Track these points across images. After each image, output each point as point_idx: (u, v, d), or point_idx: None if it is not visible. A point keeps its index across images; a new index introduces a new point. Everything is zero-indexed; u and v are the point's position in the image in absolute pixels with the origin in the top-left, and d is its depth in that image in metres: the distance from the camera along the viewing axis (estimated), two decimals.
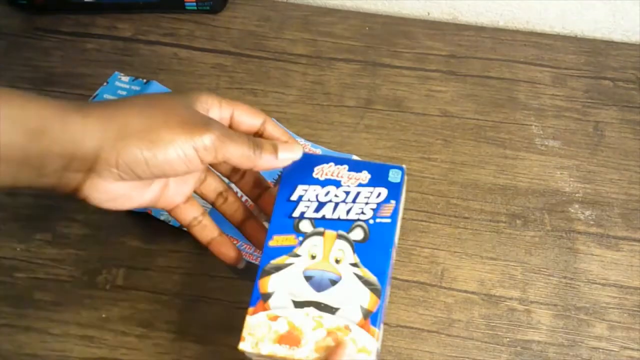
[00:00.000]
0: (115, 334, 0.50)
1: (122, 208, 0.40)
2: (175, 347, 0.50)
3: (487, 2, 0.75)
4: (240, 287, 0.53)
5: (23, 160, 0.35)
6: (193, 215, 0.45)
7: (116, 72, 0.67)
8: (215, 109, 0.41)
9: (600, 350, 0.51)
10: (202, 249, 0.55)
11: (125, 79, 0.66)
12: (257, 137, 0.43)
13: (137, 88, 0.65)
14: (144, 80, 0.66)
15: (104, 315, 0.51)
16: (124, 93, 0.65)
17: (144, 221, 0.56)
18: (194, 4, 0.73)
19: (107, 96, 0.64)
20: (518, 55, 0.72)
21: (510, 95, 0.68)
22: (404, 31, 0.74)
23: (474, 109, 0.67)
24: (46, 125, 0.35)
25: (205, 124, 0.38)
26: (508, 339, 0.51)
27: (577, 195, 0.60)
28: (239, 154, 0.39)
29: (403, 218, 0.58)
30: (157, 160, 0.37)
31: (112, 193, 0.38)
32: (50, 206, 0.57)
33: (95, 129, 0.36)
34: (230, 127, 0.43)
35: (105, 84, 0.66)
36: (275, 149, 0.42)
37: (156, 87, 0.65)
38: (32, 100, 0.35)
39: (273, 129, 0.44)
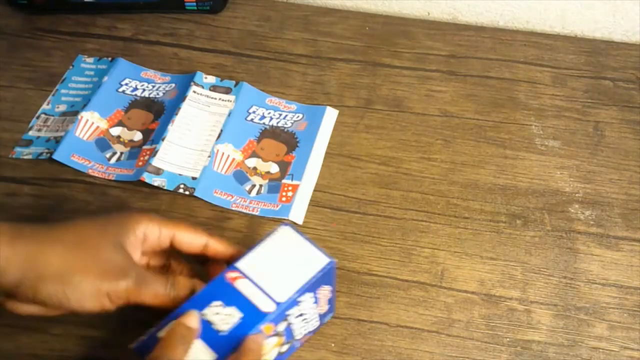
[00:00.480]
0: (115, 333, 0.50)
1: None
2: None
3: (487, 2, 0.75)
4: None
5: None
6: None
7: (80, 55, 0.69)
8: (154, 234, 0.44)
9: (600, 350, 0.51)
10: None
11: (90, 60, 0.69)
12: (201, 256, 0.46)
13: (104, 67, 0.68)
14: (110, 59, 0.68)
15: (104, 315, 0.51)
16: (92, 73, 0.67)
17: None
18: (194, 4, 0.73)
19: (75, 78, 0.67)
20: (518, 55, 0.72)
21: (510, 95, 0.68)
22: (404, 31, 0.74)
23: (474, 109, 0.67)
24: None
25: (122, 271, 0.41)
26: (508, 339, 0.51)
27: (577, 195, 0.60)
28: (152, 296, 0.42)
29: (403, 218, 0.58)
30: (70, 302, 0.40)
31: (34, 310, 0.42)
32: (50, 206, 0.57)
33: (17, 265, 0.39)
34: (173, 247, 0.45)
35: (71, 67, 0.68)
36: (192, 288, 0.44)
37: (122, 63, 0.68)
38: None
39: (216, 245, 0.46)
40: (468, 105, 0.67)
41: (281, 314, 0.42)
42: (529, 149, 0.63)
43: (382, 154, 0.62)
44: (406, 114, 0.66)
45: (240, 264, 0.44)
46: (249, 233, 0.56)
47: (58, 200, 0.57)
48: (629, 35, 0.76)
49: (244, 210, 0.57)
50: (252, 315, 0.41)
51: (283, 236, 0.45)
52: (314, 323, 0.48)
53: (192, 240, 0.45)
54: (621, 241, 0.57)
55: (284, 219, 0.57)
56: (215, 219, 0.57)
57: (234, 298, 0.42)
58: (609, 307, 0.53)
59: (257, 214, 0.57)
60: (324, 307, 0.48)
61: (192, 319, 0.41)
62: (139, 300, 0.42)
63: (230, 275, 0.43)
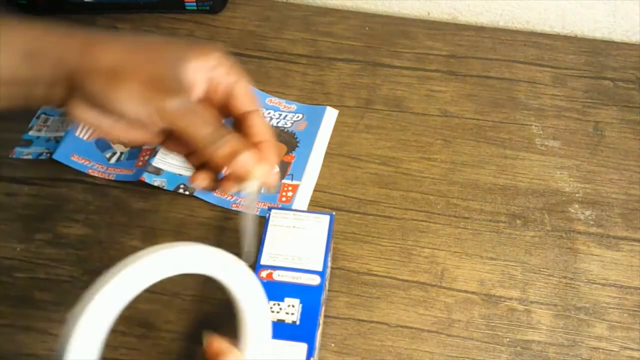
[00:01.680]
0: (115, 334, 0.50)
1: (105, 136, 0.40)
2: (175, 347, 0.50)
3: (487, 2, 0.75)
4: None
5: (12, 80, 0.37)
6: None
7: None
8: (222, 72, 0.39)
9: (600, 350, 0.51)
10: None
11: None
12: (240, 119, 0.41)
13: None
14: None
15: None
16: None
17: (144, 221, 0.56)
18: (194, 4, 0.73)
19: None
20: (518, 55, 0.72)
21: (510, 95, 0.68)
22: (404, 31, 0.74)
23: (474, 109, 0.67)
24: (39, 47, 0.36)
25: (174, 89, 0.37)
26: (508, 339, 0.51)
27: (577, 195, 0.60)
28: (192, 135, 0.37)
29: (403, 218, 0.58)
30: (113, 102, 0.36)
31: (92, 119, 0.38)
32: (50, 206, 0.57)
33: (73, 55, 0.36)
34: (227, 96, 0.40)
35: None
36: (232, 156, 0.38)
37: None
38: (23, 22, 0.37)
39: (261, 120, 0.41)
40: (468, 105, 0.67)
41: (324, 281, 0.45)
42: (529, 149, 0.63)
43: (382, 154, 0.62)
44: (406, 114, 0.66)
45: (264, 260, 0.46)
46: None
47: (58, 200, 0.57)
48: (629, 35, 0.76)
49: (244, 211, 0.57)
50: (308, 294, 0.44)
51: (278, 218, 0.48)
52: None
53: (249, 98, 0.40)
54: (621, 241, 0.57)
55: None
56: (215, 219, 0.57)
57: (282, 291, 0.44)
58: (609, 307, 0.53)
59: (257, 214, 0.57)
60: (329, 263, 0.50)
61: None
62: (181, 131, 0.37)
63: (262, 274, 0.45)
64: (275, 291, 0.44)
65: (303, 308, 0.43)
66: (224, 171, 0.40)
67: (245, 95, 0.40)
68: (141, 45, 0.38)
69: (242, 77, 0.40)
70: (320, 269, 0.45)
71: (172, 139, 0.40)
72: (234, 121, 0.42)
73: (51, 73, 0.37)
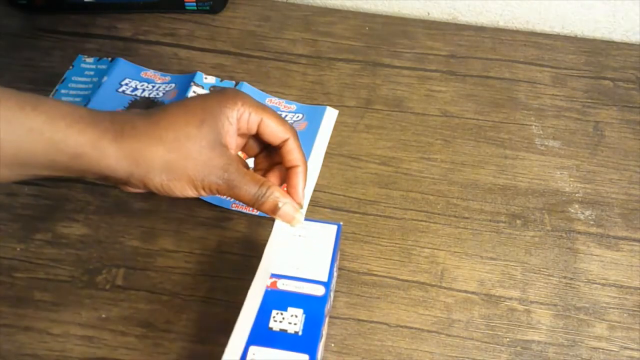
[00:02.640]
0: (115, 334, 0.50)
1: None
2: (175, 347, 0.50)
3: (487, 2, 0.75)
4: (240, 287, 0.53)
5: (67, 171, 0.42)
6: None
7: (80, 55, 0.69)
8: (245, 118, 0.45)
9: (600, 350, 0.51)
10: (201, 249, 0.55)
11: (90, 60, 0.69)
12: (276, 150, 0.47)
13: (104, 67, 0.68)
14: (109, 59, 0.68)
15: (103, 316, 0.51)
16: (91, 73, 0.67)
17: (144, 221, 0.56)
18: (194, 4, 0.73)
19: (75, 78, 0.67)
20: (518, 55, 0.72)
21: (510, 95, 0.68)
22: (404, 31, 0.74)
23: (474, 109, 0.67)
24: (84, 152, 0.41)
25: (217, 170, 0.43)
26: (508, 339, 0.51)
27: (577, 195, 0.60)
28: (242, 197, 0.44)
29: (403, 218, 0.58)
30: (174, 191, 0.44)
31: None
32: (50, 206, 0.57)
33: (125, 164, 0.42)
34: (256, 134, 0.46)
35: (71, 67, 0.68)
36: (275, 208, 0.45)
37: (122, 63, 0.68)
38: (74, 125, 0.40)
39: (293, 147, 0.47)
40: (468, 105, 0.67)
41: (328, 291, 0.45)
42: (529, 149, 0.63)
43: (382, 154, 0.62)
44: (406, 114, 0.66)
45: (266, 266, 0.45)
46: (248, 233, 0.56)
47: (58, 200, 0.57)
48: (629, 35, 0.76)
49: (244, 211, 0.57)
50: (312, 305, 0.43)
51: (284, 227, 0.47)
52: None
53: (277, 130, 0.46)
54: (621, 241, 0.57)
55: None
56: (215, 219, 0.57)
57: (285, 300, 0.43)
58: (608, 307, 0.53)
59: (257, 214, 0.57)
60: (335, 273, 0.50)
61: None
62: (230, 196, 0.45)
63: (267, 282, 0.45)
64: (279, 300, 0.43)
65: (306, 318, 0.43)
66: None
67: (274, 128, 0.46)
68: (180, 140, 0.43)
69: (265, 111, 0.45)
70: (325, 279, 0.45)
71: None
72: (270, 147, 0.48)
73: (103, 176, 0.43)
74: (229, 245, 0.55)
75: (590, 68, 0.71)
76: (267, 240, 0.56)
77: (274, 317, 0.43)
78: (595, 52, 0.73)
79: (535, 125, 0.65)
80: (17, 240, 0.55)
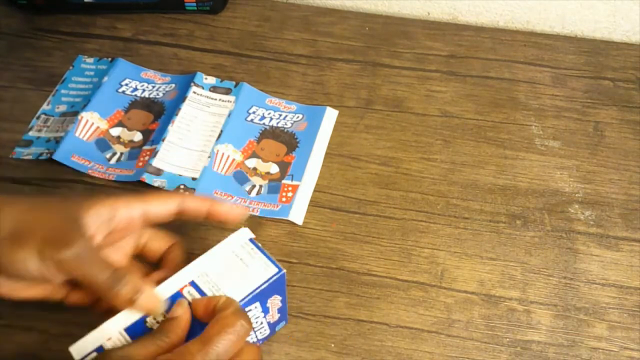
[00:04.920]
0: None
1: (5, 297, 0.41)
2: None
3: (487, 2, 0.75)
4: None
5: None
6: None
7: (80, 55, 0.69)
8: (123, 211, 0.41)
9: (600, 350, 0.51)
10: (202, 249, 0.55)
11: (90, 60, 0.69)
12: (180, 215, 0.44)
13: (104, 67, 0.68)
14: (109, 59, 0.68)
15: (103, 315, 0.51)
16: (92, 74, 0.67)
17: None
18: (194, 4, 0.73)
19: (75, 78, 0.67)
20: (518, 55, 0.72)
21: (510, 95, 0.68)
22: (404, 31, 0.74)
23: (474, 109, 0.67)
24: None
25: (68, 241, 0.38)
26: (508, 339, 0.51)
27: (577, 195, 0.60)
28: (90, 278, 0.39)
29: (403, 218, 0.58)
30: (15, 264, 0.38)
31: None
32: None
33: None
34: (149, 223, 0.43)
35: (71, 67, 0.68)
36: (130, 300, 0.39)
37: (122, 63, 0.68)
38: None
39: (190, 202, 0.44)
40: (468, 105, 0.67)
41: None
42: (529, 149, 0.63)
43: (382, 154, 0.62)
44: (406, 114, 0.66)
45: (190, 269, 0.42)
46: None
47: None
48: (629, 35, 0.76)
49: None
50: (196, 324, 0.40)
51: (237, 242, 0.44)
52: (264, 331, 0.47)
53: (163, 207, 0.43)
54: (621, 241, 0.57)
55: (284, 219, 0.57)
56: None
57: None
58: (608, 307, 0.53)
59: (257, 214, 0.57)
60: (275, 316, 0.47)
61: (180, 309, 0.39)
62: (79, 278, 0.39)
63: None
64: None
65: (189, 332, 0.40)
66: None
67: (158, 210, 0.43)
68: (39, 204, 0.40)
69: (143, 200, 0.42)
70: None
71: (76, 290, 0.43)
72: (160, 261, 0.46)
73: None
74: None
75: (590, 68, 0.71)
76: (266, 240, 0.56)
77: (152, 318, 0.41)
78: (595, 52, 0.73)
79: (535, 126, 0.65)
80: None
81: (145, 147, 0.61)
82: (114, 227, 0.42)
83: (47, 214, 0.40)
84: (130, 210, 0.42)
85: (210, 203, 0.45)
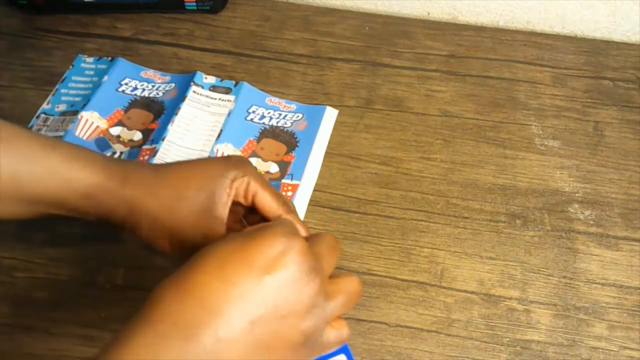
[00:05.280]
0: (115, 333, 0.50)
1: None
2: None
3: (487, 2, 0.75)
4: None
5: (74, 211, 0.44)
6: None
7: (80, 54, 0.69)
8: (241, 189, 0.44)
9: (600, 350, 0.51)
10: None
11: (90, 59, 0.69)
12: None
13: (104, 67, 0.68)
14: (109, 59, 0.68)
15: (103, 315, 0.51)
16: (92, 73, 0.67)
17: None
18: (194, 4, 0.73)
19: (75, 78, 0.67)
20: (518, 55, 0.72)
21: (510, 95, 0.68)
22: (404, 31, 0.74)
23: (474, 109, 0.67)
24: (94, 193, 0.43)
25: (201, 239, 0.42)
26: (508, 339, 0.51)
27: (576, 195, 0.60)
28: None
29: (403, 218, 0.58)
30: (155, 246, 0.44)
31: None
32: None
33: (122, 210, 0.43)
34: (253, 204, 0.45)
35: (71, 67, 0.68)
36: None
37: (122, 63, 0.68)
38: (88, 166, 0.43)
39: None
40: (468, 105, 0.67)
41: None
42: (529, 149, 0.63)
43: (382, 153, 0.62)
44: (406, 114, 0.66)
45: None
46: None
47: None
48: (629, 35, 0.76)
49: None
50: None
51: None
52: None
53: (270, 206, 0.45)
54: (621, 241, 0.57)
55: None
56: None
57: None
58: (608, 307, 0.53)
59: None
60: None
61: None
62: None
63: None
64: None
65: None
66: None
67: (268, 203, 0.44)
68: (177, 198, 0.43)
69: (264, 186, 0.45)
70: None
71: None
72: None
73: (102, 216, 0.44)
74: None
75: (590, 68, 0.71)
76: None
77: None
78: (595, 52, 0.73)
79: (535, 125, 0.65)
80: (17, 240, 0.55)
81: (145, 147, 0.61)
82: (232, 198, 0.44)
83: (182, 209, 0.43)
84: (247, 190, 0.44)
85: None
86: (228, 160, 0.45)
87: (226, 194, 0.43)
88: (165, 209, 0.43)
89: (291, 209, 0.46)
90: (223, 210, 0.43)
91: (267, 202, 0.44)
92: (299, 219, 0.45)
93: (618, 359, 0.51)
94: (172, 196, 0.43)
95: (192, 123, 0.63)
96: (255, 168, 0.46)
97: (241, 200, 0.44)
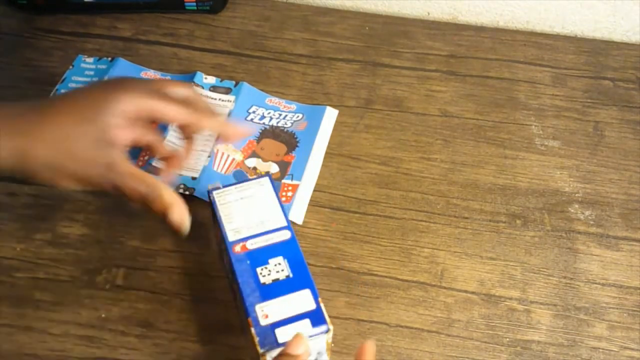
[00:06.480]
0: (115, 334, 0.50)
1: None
2: (175, 347, 0.50)
3: (487, 2, 0.75)
4: None
5: None
6: None
7: (80, 55, 0.69)
8: (131, 110, 0.44)
9: (600, 350, 0.51)
10: (202, 249, 0.55)
11: (90, 59, 0.68)
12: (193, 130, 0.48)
13: (104, 67, 0.67)
14: (109, 59, 0.68)
15: (103, 315, 0.51)
16: (91, 73, 0.67)
17: (144, 221, 0.56)
18: (194, 4, 0.73)
19: (75, 78, 0.67)
20: (518, 55, 0.72)
21: (510, 95, 0.68)
22: (404, 31, 0.74)
23: (474, 109, 0.67)
24: None
25: (104, 169, 0.43)
26: (508, 339, 0.51)
27: (577, 195, 0.60)
28: (128, 197, 0.44)
29: (403, 218, 0.58)
30: (60, 184, 0.43)
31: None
32: (50, 206, 0.57)
33: (12, 160, 0.42)
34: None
35: (71, 67, 0.68)
36: (164, 213, 0.44)
37: (122, 63, 0.67)
38: None
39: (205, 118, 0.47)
40: (468, 105, 0.67)
41: (293, 233, 0.47)
42: (529, 149, 0.63)
43: (382, 154, 0.62)
44: (406, 114, 0.66)
45: (231, 237, 0.47)
46: None
47: (58, 200, 0.57)
48: (629, 35, 0.76)
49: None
50: (287, 248, 0.46)
51: (223, 196, 0.49)
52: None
53: (174, 115, 0.45)
54: (621, 241, 0.57)
55: None
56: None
57: (262, 255, 0.45)
58: (608, 307, 0.53)
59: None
60: None
61: (297, 346, 0.39)
62: (119, 194, 0.44)
63: (236, 249, 0.46)
64: (257, 257, 0.45)
65: (289, 261, 0.45)
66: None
67: (167, 115, 0.45)
68: (64, 139, 0.42)
69: (154, 99, 0.44)
70: (285, 223, 0.47)
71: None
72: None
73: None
74: None
75: (590, 68, 0.71)
76: None
77: (260, 273, 0.44)
78: (595, 52, 0.73)
79: (535, 125, 0.65)
80: (17, 240, 0.55)
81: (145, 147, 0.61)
82: (132, 118, 0.44)
83: (74, 147, 0.42)
84: (141, 106, 0.44)
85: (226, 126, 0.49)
86: (108, 85, 0.45)
87: (114, 119, 0.43)
88: (59, 152, 0.42)
89: (202, 107, 0.46)
90: (119, 136, 0.43)
91: (167, 113, 0.45)
92: (210, 111, 0.47)
93: (618, 359, 0.51)
94: (62, 137, 0.42)
95: None
96: (151, 83, 0.46)
97: (144, 116, 0.44)
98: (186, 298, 0.52)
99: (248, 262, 0.45)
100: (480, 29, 0.75)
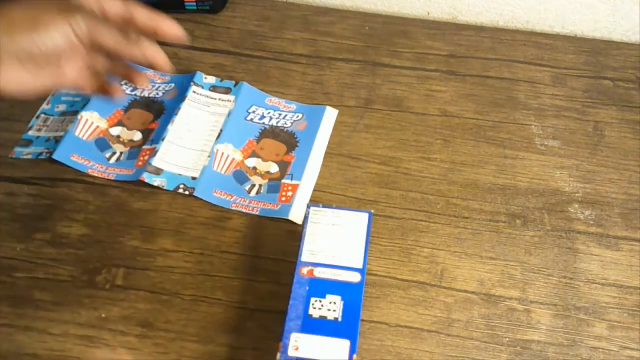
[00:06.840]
0: (115, 334, 0.50)
1: (30, 91, 0.42)
2: (175, 347, 0.50)
3: (487, 2, 0.75)
4: (240, 287, 0.53)
5: None
6: None
7: None
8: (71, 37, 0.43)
9: (600, 350, 0.51)
10: (201, 249, 0.55)
11: None
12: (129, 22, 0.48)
13: None
14: None
15: (103, 315, 0.51)
16: None
17: (144, 221, 0.56)
18: (194, 4, 0.73)
19: None
20: (518, 55, 0.72)
21: (510, 95, 0.68)
22: (404, 31, 0.74)
23: (474, 109, 0.67)
24: None
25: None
26: (508, 339, 0.51)
27: (577, 195, 0.60)
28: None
29: (403, 218, 0.58)
30: (42, 42, 0.41)
31: (16, 80, 0.42)
32: (50, 206, 0.57)
33: None
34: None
35: None
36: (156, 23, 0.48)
37: None
38: None
39: (142, 15, 0.48)
40: (468, 105, 0.67)
41: (364, 278, 0.46)
42: (529, 149, 0.63)
43: (382, 154, 0.62)
44: (406, 114, 0.66)
45: (305, 257, 0.46)
46: (248, 233, 0.56)
47: (58, 200, 0.57)
48: (629, 35, 0.76)
49: (244, 210, 0.57)
50: (350, 292, 0.44)
51: (318, 216, 0.48)
52: None
53: (115, 43, 0.45)
54: (621, 241, 0.57)
55: (284, 219, 0.57)
56: (215, 219, 0.57)
57: (323, 287, 0.45)
58: (608, 307, 0.53)
59: (257, 214, 0.57)
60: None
61: None
62: (99, 38, 0.44)
63: (303, 271, 0.45)
64: (317, 288, 0.45)
65: (345, 305, 0.44)
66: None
67: (112, 42, 0.45)
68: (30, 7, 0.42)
69: (91, 22, 0.44)
70: (361, 266, 0.46)
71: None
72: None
73: None
74: (229, 245, 0.55)
75: (590, 68, 0.71)
76: (266, 240, 0.56)
77: (313, 304, 0.44)
78: (595, 52, 0.73)
79: (535, 125, 0.65)
80: (17, 240, 0.55)
81: (145, 147, 0.61)
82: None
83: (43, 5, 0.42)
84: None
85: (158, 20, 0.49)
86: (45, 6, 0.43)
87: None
88: (22, 33, 0.41)
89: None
90: (70, 64, 0.43)
91: (108, 40, 0.45)
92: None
93: (618, 359, 0.51)
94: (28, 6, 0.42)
95: (192, 123, 0.63)
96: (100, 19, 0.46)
97: (85, 44, 0.44)
98: (186, 298, 0.52)
99: (307, 288, 0.44)
100: (480, 29, 0.75)
